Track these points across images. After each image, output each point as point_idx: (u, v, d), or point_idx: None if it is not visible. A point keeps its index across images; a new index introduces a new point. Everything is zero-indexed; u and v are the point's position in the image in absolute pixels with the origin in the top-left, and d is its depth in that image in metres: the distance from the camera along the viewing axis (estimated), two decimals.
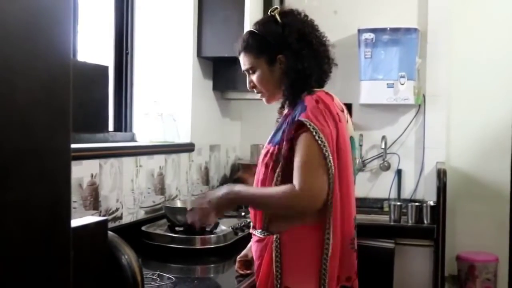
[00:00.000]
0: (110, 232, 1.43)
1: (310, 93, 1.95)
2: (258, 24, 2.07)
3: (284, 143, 1.90)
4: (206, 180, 3.52)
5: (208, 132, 3.53)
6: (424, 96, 3.76)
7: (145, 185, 2.81)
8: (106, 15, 3.06)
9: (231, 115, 3.92)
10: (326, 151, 1.84)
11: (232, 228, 2.62)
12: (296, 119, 1.87)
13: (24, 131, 0.89)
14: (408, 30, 3.65)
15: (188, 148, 3.23)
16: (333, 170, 1.86)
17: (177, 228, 2.60)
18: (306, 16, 2.06)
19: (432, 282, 3.38)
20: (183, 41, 3.23)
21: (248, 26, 3.19)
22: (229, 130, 3.92)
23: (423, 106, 3.77)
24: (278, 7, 2.07)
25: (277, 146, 1.93)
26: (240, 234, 2.64)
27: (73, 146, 1.01)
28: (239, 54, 2.09)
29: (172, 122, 3.14)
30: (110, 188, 2.51)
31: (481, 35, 3.77)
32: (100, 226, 1.37)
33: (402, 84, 3.62)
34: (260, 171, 2.00)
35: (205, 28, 3.28)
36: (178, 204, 2.83)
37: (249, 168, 3.82)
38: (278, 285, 1.89)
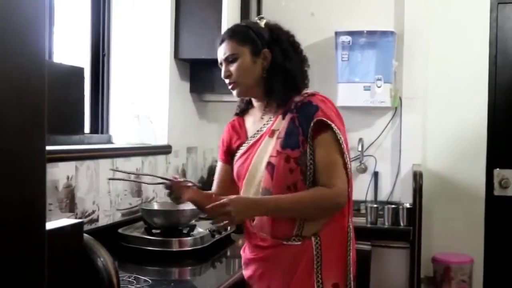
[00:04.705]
0: (85, 235, 1.42)
1: (300, 94, 2.04)
2: (244, 21, 2.15)
3: (307, 145, 1.95)
4: None
5: (185, 134, 3.52)
6: (400, 99, 3.78)
7: (121, 187, 2.79)
8: (83, 16, 3.03)
9: (208, 117, 3.91)
10: (344, 149, 1.96)
11: (209, 231, 2.61)
12: (314, 119, 1.94)
13: None
14: (384, 33, 3.68)
15: (165, 150, 3.22)
16: (350, 167, 1.99)
17: (154, 231, 2.58)
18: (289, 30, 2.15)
19: (408, 283, 3.40)
20: (160, 42, 3.22)
21: (225, 27, 3.19)
22: (206, 132, 3.91)
23: (400, 109, 3.80)
24: (262, 15, 2.18)
25: (297, 150, 1.96)
26: (217, 237, 2.64)
27: (49, 148, 1.00)
28: (221, 43, 2.08)
29: (149, 124, 3.13)
30: (87, 190, 2.49)
31: (457, 37, 3.82)
32: (75, 229, 1.36)
33: (379, 87, 3.64)
34: (281, 177, 1.98)
35: (182, 30, 3.27)
36: (155, 206, 2.81)
37: None
38: (320, 281, 1.94)
